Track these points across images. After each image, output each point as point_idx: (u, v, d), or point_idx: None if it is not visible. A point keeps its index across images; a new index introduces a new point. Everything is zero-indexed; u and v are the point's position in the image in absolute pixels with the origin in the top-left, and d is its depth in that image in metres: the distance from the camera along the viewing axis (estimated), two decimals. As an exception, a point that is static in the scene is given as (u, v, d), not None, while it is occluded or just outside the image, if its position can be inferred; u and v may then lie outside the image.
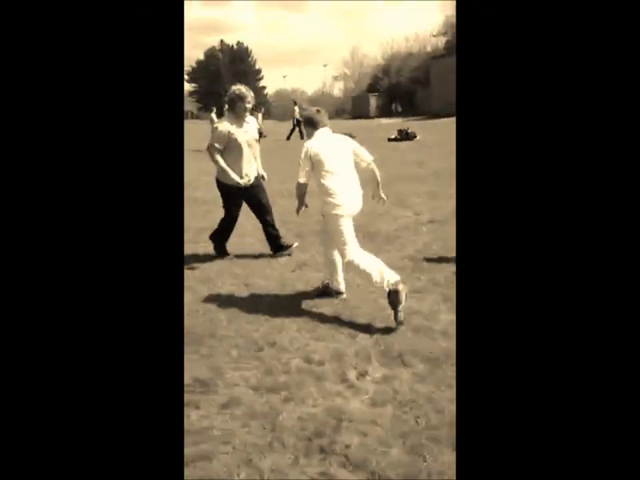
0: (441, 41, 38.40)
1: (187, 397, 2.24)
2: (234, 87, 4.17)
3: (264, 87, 67.23)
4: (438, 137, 15.29)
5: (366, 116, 35.69)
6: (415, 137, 15.71)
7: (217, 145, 4.10)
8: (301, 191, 3.34)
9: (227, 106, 4.34)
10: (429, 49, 40.50)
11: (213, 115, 16.24)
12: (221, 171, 4.14)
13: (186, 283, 3.65)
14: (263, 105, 18.38)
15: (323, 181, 3.17)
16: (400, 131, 16.12)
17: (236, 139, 4.10)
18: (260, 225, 4.46)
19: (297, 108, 18.96)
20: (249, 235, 4.97)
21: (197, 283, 3.79)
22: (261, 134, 17.30)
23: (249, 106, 4.12)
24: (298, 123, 18.95)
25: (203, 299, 3.50)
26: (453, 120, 20.49)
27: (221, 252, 4.46)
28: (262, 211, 4.36)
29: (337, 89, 59.74)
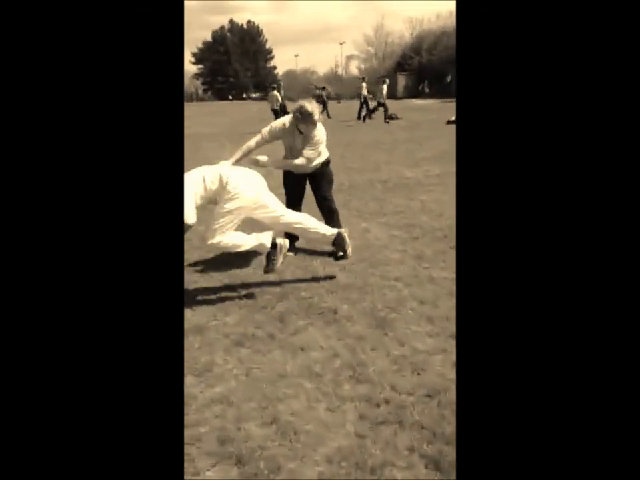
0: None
1: None
2: (302, 104, 3.69)
3: (274, 67, 66.07)
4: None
5: (393, 96, 34.68)
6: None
7: (265, 134, 3.83)
8: None
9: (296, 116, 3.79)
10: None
11: (276, 93, 15.96)
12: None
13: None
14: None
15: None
16: (461, 114, 15.15)
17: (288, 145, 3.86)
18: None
19: (364, 84, 18.19)
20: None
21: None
22: (284, 107, 17.26)
23: (315, 123, 3.70)
24: (365, 101, 18.41)
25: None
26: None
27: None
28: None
29: (354, 68, 57.92)
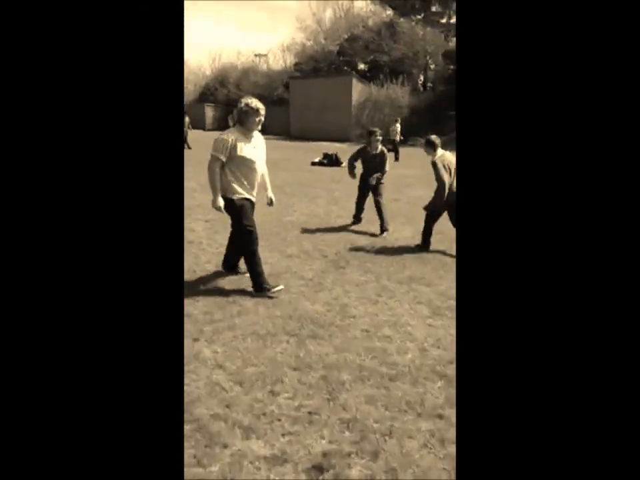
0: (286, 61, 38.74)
1: None
2: (246, 99, 3.91)
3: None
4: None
5: (202, 127, 33.96)
6: (342, 162, 14.24)
7: (219, 156, 3.85)
8: None
9: (235, 118, 4.02)
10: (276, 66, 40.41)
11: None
12: (226, 185, 3.91)
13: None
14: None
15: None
16: (326, 155, 15.18)
17: (243, 156, 3.88)
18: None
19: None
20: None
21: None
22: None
23: (261, 120, 3.90)
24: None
25: None
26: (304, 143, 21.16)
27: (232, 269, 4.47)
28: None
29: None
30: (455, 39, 29.64)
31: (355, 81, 27.91)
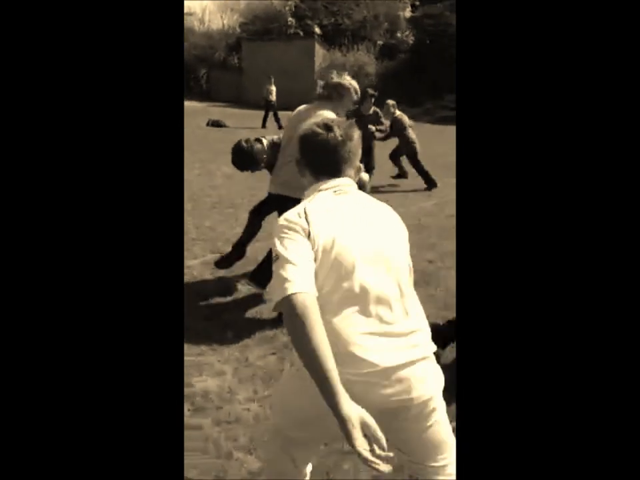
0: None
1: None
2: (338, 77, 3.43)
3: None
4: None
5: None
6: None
7: None
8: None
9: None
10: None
11: None
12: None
13: None
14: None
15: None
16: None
17: None
18: None
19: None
20: None
21: None
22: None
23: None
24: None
25: None
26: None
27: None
28: None
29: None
30: (418, 4, 28.26)
31: (317, 45, 25.81)
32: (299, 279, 1.31)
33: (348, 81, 3.46)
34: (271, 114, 16.37)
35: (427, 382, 1.43)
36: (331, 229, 1.43)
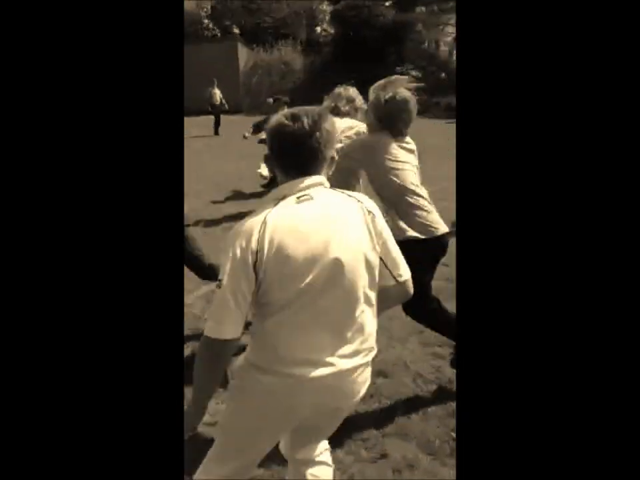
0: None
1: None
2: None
3: None
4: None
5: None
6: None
7: None
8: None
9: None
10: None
11: None
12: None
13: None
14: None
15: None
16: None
17: None
18: None
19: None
20: None
21: None
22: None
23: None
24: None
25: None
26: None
27: None
28: None
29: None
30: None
31: (240, 45, 25.45)
32: (229, 326, 1.41)
33: (356, 93, 3.42)
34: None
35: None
36: (286, 245, 1.41)
